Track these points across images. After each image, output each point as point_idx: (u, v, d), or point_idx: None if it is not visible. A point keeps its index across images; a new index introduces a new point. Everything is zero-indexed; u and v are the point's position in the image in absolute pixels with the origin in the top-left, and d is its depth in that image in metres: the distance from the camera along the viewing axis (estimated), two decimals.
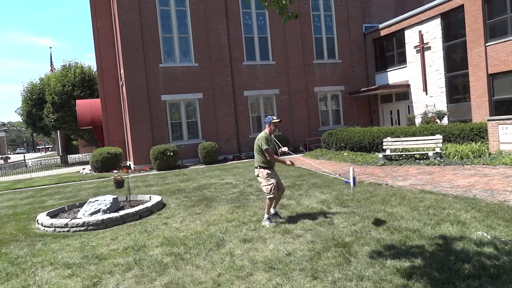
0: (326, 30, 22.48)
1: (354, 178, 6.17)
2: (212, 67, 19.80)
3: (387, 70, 21.98)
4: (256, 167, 6.45)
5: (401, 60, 21.00)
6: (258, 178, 6.50)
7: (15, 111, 33.11)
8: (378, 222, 5.87)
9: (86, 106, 24.26)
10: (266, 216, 6.41)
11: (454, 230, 5.19)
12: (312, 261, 4.59)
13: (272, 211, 6.61)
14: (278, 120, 6.50)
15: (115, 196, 8.41)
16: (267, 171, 6.35)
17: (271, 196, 6.30)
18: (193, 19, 19.43)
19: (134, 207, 8.21)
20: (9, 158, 44.09)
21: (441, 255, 4.35)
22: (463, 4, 16.74)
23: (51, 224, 7.42)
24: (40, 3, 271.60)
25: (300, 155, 18.81)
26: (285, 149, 6.77)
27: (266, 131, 6.48)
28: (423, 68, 19.27)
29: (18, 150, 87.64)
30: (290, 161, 6.42)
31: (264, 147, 6.24)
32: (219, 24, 19.86)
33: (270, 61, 21.07)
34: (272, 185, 6.29)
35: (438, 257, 4.30)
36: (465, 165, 10.69)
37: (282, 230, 5.93)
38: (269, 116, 6.54)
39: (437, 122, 17.26)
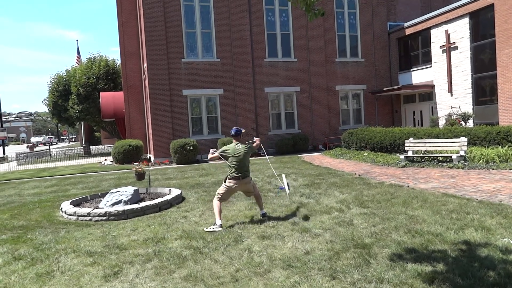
0: (350, 28, 22.17)
1: (288, 184, 6.96)
2: (233, 63, 19.84)
3: (411, 69, 21.54)
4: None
5: (426, 60, 20.53)
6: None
7: (42, 102, 34.21)
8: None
9: (110, 99, 24.71)
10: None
11: (479, 236, 5.06)
12: (331, 261, 4.55)
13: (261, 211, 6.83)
14: (232, 134, 6.61)
15: (136, 188, 8.56)
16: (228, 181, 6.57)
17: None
18: (216, 14, 19.50)
19: (154, 199, 8.34)
20: (35, 146, 45.34)
21: (465, 261, 4.25)
22: (493, 3, 16.22)
23: (74, 212, 7.62)
24: None
25: (320, 153, 18.70)
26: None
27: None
28: (448, 68, 18.80)
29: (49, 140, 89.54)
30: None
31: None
32: (242, 20, 19.86)
33: (291, 58, 20.95)
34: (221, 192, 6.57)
35: (462, 263, 4.20)
36: (490, 170, 10.39)
37: (300, 228, 5.91)
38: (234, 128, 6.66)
39: (462, 124, 16.82)
